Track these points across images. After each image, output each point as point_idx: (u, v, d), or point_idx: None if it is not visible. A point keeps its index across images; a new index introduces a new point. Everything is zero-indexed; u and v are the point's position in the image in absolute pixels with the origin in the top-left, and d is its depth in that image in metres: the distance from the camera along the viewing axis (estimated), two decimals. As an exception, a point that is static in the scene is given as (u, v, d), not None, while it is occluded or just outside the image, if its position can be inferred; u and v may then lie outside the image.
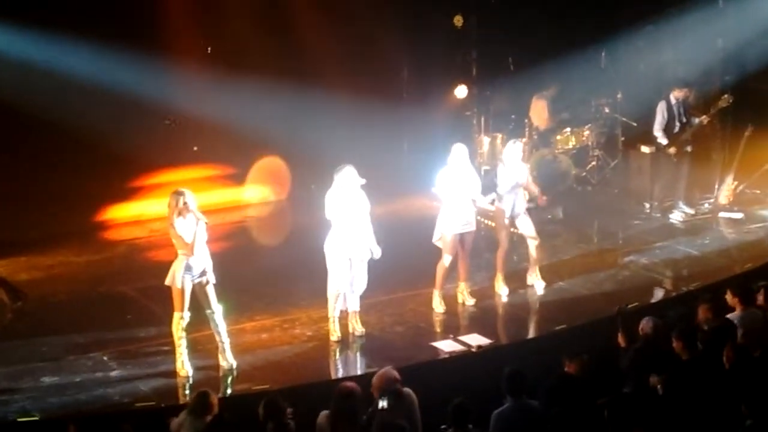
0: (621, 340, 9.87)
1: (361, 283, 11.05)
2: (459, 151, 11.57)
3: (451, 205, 11.53)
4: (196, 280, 10.16)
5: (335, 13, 15.44)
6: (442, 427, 8.28)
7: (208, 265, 10.22)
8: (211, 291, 10.23)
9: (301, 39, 15.32)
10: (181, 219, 10.05)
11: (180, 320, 10.17)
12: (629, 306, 10.87)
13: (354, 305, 11.15)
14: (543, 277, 12.26)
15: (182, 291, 10.10)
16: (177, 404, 9.59)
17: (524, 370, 8.63)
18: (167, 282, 10.16)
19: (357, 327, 11.16)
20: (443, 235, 11.57)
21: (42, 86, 13.36)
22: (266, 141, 14.81)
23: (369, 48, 15.58)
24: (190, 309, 10.18)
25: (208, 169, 15.00)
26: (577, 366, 8.99)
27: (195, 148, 15.03)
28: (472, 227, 11.67)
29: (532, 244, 12.12)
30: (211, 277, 10.22)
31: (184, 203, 10.02)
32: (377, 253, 11.01)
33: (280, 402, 8.49)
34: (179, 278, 10.09)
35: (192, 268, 10.11)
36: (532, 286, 12.24)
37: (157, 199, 14.68)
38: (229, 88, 14.47)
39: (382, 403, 8.43)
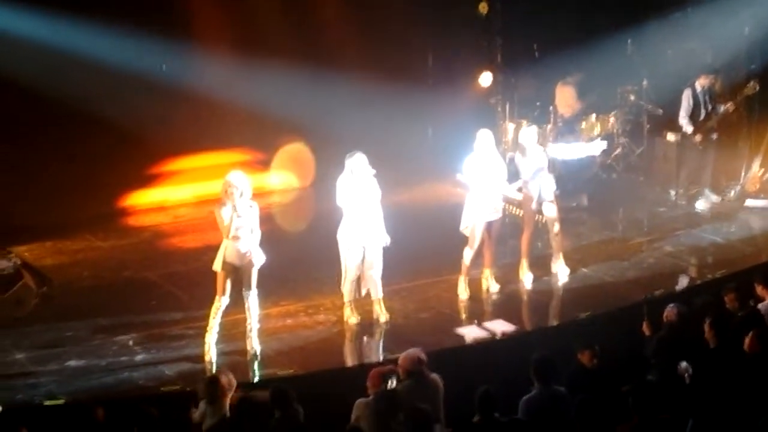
0: (646, 328, 9.85)
1: (378, 269, 11.05)
2: (485, 137, 11.54)
3: (478, 192, 11.50)
4: (238, 264, 10.23)
5: (359, 1, 15.43)
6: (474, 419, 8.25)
7: (253, 247, 10.27)
8: (253, 273, 10.30)
9: (326, 25, 15.33)
10: (230, 203, 10.11)
11: (218, 304, 10.29)
12: (655, 294, 10.83)
13: (377, 292, 11.16)
14: (567, 264, 12.23)
15: (224, 275, 10.23)
16: (195, 392, 9.58)
17: (551, 357, 8.61)
18: (214, 267, 10.29)
19: (381, 314, 11.17)
20: (470, 223, 11.55)
21: (66, 71, 13.39)
22: (291, 126, 14.81)
23: (394, 34, 15.56)
24: (230, 295, 10.24)
25: (233, 154, 14.99)
26: (589, 356, 8.97)
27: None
28: (499, 214, 11.65)
29: (555, 231, 12.09)
30: (255, 260, 10.27)
31: (227, 190, 10.11)
32: (386, 241, 11.00)
33: (289, 391, 8.50)
34: (219, 262, 10.23)
35: (236, 252, 10.19)
36: (557, 273, 12.20)
37: (182, 185, 14.79)
38: (253, 72, 14.47)
39: (391, 383, 8.43)
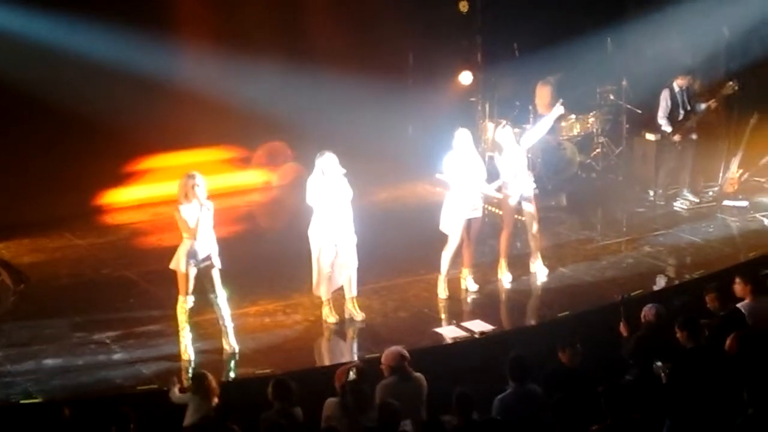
0: (623, 328, 9.86)
1: (352, 267, 11.03)
2: (464, 136, 11.54)
3: (457, 191, 11.50)
4: (201, 265, 10.15)
5: (341, -2, 15.46)
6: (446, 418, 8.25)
7: (213, 249, 10.20)
8: (216, 276, 10.22)
9: (308, 23, 15.32)
10: (188, 203, 10.04)
11: (184, 304, 10.18)
12: (632, 294, 10.84)
13: (351, 291, 11.15)
14: (546, 264, 12.25)
15: (186, 275, 10.10)
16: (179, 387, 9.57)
17: (527, 356, 8.62)
18: (172, 266, 10.16)
19: (356, 313, 11.16)
20: (450, 221, 11.55)
21: (44, 67, 13.34)
22: (271, 123, 14.77)
23: (375, 33, 15.56)
24: (194, 293, 10.17)
25: (213, 151, 14.97)
26: (569, 355, 8.98)
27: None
28: (479, 213, 11.65)
29: (534, 231, 12.10)
30: (216, 262, 10.21)
31: (193, 187, 10.01)
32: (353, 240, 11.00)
33: (291, 384, 8.49)
34: (183, 262, 10.09)
35: (197, 252, 10.10)
36: (535, 272, 12.22)
37: (161, 183, 14.72)
38: (234, 69, 14.45)
39: (351, 375, 8.43)
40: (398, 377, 8.73)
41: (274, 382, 8.52)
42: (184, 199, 10.06)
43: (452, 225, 11.55)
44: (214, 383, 8.72)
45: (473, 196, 11.56)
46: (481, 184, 11.66)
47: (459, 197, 11.52)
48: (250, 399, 8.89)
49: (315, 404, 8.54)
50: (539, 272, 12.21)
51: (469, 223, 11.62)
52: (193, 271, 10.12)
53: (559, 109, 12.33)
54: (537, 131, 12.18)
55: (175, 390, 9.00)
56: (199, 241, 10.09)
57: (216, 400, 8.65)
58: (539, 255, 12.22)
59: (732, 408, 8.13)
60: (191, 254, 10.10)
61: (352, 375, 8.47)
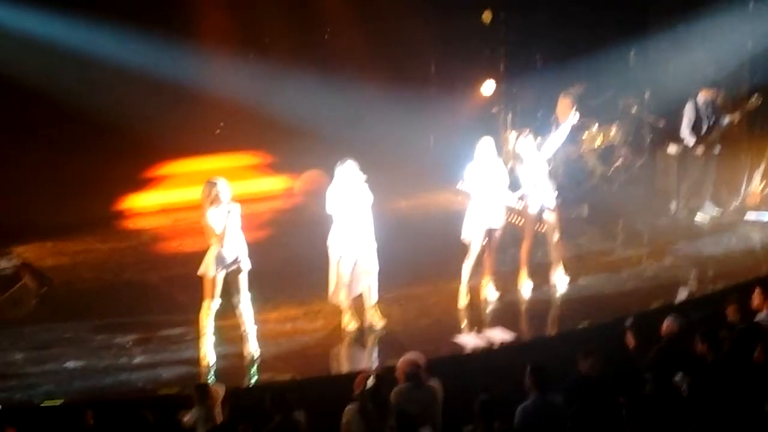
0: (630, 340, 9.85)
1: (373, 275, 11.06)
2: (487, 145, 11.55)
3: (480, 200, 11.51)
4: (230, 269, 10.19)
5: (365, 7, 15.46)
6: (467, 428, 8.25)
7: (242, 252, 10.24)
8: (243, 279, 10.27)
9: (331, 32, 15.40)
10: (214, 208, 10.08)
11: (208, 309, 10.22)
12: (642, 311, 10.75)
13: (372, 299, 11.17)
14: (567, 274, 12.24)
15: (213, 280, 10.15)
16: (188, 397, 9.58)
17: (548, 366, 8.62)
18: (200, 272, 10.20)
19: (376, 320, 11.18)
20: (471, 231, 11.55)
21: (70, 72, 13.45)
22: (293, 131, 14.83)
23: (398, 42, 15.60)
24: (219, 298, 10.22)
25: (235, 157, 15.03)
26: (590, 363, 8.97)
27: (217, 130, 15.01)
28: (501, 222, 11.65)
29: (555, 241, 12.10)
30: (244, 265, 10.25)
31: (217, 193, 10.05)
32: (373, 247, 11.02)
33: (286, 394, 8.50)
34: (212, 268, 10.14)
35: (225, 257, 10.16)
36: (556, 282, 12.21)
37: (183, 188, 14.78)
38: (259, 76, 14.52)
39: (370, 382, 8.45)
40: (412, 384, 8.73)
41: (270, 396, 8.52)
42: (209, 205, 10.09)
43: (473, 234, 11.56)
44: (215, 392, 8.73)
45: (495, 206, 11.57)
46: (504, 193, 11.66)
47: (480, 207, 11.53)
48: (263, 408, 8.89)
49: (334, 411, 8.56)
50: (559, 282, 12.20)
51: (491, 232, 11.62)
52: (221, 276, 10.17)
53: (574, 118, 12.34)
54: (555, 140, 12.18)
55: (185, 417, 8.94)
56: (227, 245, 10.13)
57: (219, 408, 8.65)
58: (560, 265, 12.22)
59: (754, 420, 8.12)
60: (219, 259, 10.16)
61: (371, 382, 8.49)
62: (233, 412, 8.73)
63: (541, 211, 11.97)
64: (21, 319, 11.49)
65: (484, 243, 11.60)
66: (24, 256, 12.99)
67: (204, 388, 8.79)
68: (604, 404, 8.54)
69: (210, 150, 14.86)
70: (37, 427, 9.26)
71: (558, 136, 12.24)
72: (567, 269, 12.29)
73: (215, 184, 10.13)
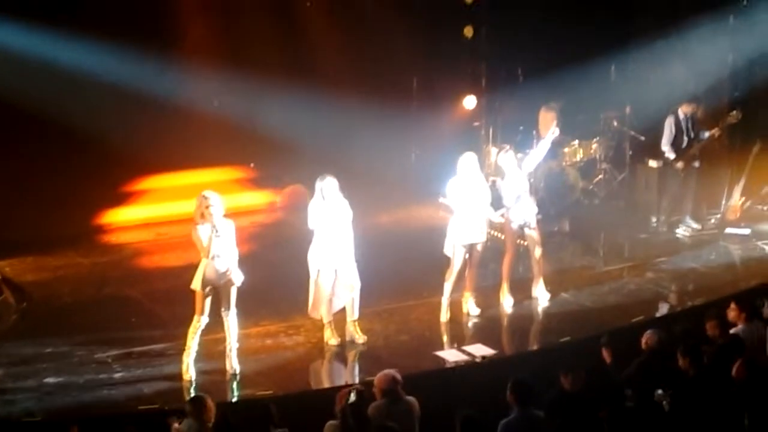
0: (606, 355, 9.89)
1: (355, 290, 11.06)
2: (469, 160, 11.57)
3: (461, 215, 11.53)
4: (219, 283, 10.19)
5: (347, 21, 15.50)
6: None
7: (232, 266, 10.24)
8: (232, 292, 10.27)
9: (313, 46, 15.39)
10: (202, 223, 10.08)
11: (197, 324, 10.22)
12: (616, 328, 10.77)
13: (353, 314, 11.17)
14: (548, 289, 12.26)
15: (201, 296, 10.16)
16: (180, 407, 9.57)
17: (530, 381, 8.62)
18: (192, 286, 10.21)
19: (357, 336, 11.17)
20: (453, 245, 11.57)
21: (50, 86, 13.40)
22: (274, 146, 14.84)
23: (379, 57, 15.63)
24: (209, 314, 10.21)
25: (217, 172, 15.02)
26: (571, 380, 8.98)
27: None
28: (482, 237, 11.66)
29: (536, 256, 12.12)
30: (235, 279, 10.25)
31: (207, 207, 10.05)
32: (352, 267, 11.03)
33: (271, 408, 8.50)
34: (199, 282, 10.15)
35: (214, 271, 10.15)
36: (537, 297, 12.23)
37: (165, 203, 14.77)
38: (239, 90, 14.53)
39: (352, 397, 8.45)
40: (389, 400, 8.73)
41: (257, 409, 8.51)
42: (199, 219, 10.10)
43: (455, 249, 11.58)
44: (211, 406, 8.71)
45: (476, 221, 11.58)
46: (486, 208, 11.68)
47: (462, 222, 11.55)
48: (250, 420, 8.87)
49: (315, 427, 8.54)
50: (541, 297, 12.22)
51: (472, 247, 11.64)
52: (209, 291, 10.18)
53: (554, 132, 12.39)
54: (536, 155, 12.21)
55: (175, 425, 8.93)
56: (216, 260, 10.13)
57: (211, 422, 8.64)
58: (541, 280, 12.24)
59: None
60: (209, 275, 10.16)
61: (352, 397, 8.48)
62: (217, 428, 8.69)
63: (523, 226, 11.99)
64: (1, 334, 11.42)
65: (465, 258, 11.61)
66: (4, 270, 12.94)
67: (201, 401, 8.73)
68: (586, 420, 8.55)
69: (192, 165, 14.83)
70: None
71: (539, 150, 12.28)
72: (548, 284, 12.31)
73: (207, 198, 10.11)
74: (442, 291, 11.71)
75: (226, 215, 10.22)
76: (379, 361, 10.71)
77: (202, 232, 10.10)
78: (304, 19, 15.49)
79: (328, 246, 10.86)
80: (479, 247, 11.68)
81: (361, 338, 11.15)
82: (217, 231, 10.04)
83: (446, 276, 11.67)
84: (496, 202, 11.95)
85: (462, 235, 11.55)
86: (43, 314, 12.02)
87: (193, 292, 10.24)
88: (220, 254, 10.15)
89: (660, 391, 8.85)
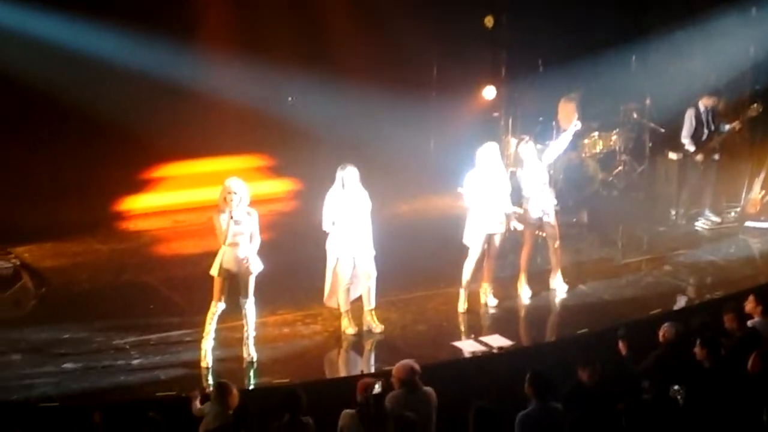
0: (622, 347, 9.88)
1: (372, 279, 11.07)
2: (489, 150, 11.54)
3: (480, 206, 11.50)
4: (237, 269, 10.22)
5: (367, 11, 15.47)
6: None
7: (251, 254, 10.25)
8: (250, 281, 10.29)
9: (333, 35, 15.38)
10: (227, 209, 10.08)
11: (214, 309, 10.26)
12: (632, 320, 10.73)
13: (370, 303, 11.17)
14: (566, 281, 12.24)
15: (219, 282, 10.19)
16: (202, 390, 9.58)
17: (548, 373, 8.61)
18: (211, 271, 10.25)
19: (374, 325, 11.17)
20: (471, 235, 11.55)
21: (72, 73, 13.43)
22: (294, 135, 14.84)
23: (400, 46, 15.60)
24: (225, 301, 10.23)
25: (236, 160, 15.03)
26: (588, 373, 8.97)
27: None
28: (501, 229, 11.63)
29: (554, 247, 12.10)
30: (253, 267, 10.25)
31: (226, 196, 10.06)
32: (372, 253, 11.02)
33: (300, 395, 8.52)
34: (216, 268, 10.19)
35: (232, 259, 10.17)
36: (555, 289, 12.21)
37: (183, 191, 14.80)
38: (260, 78, 14.53)
39: (377, 387, 8.45)
40: (407, 390, 8.73)
41: (285, 394, 8.54)
42: (222, 205, 10.12)
43: (473, 239, 11.56)
44: (236, 393, 8.74)
45: (495, 212, 11.56)
46: (505, 200, 11.64)
47: (481, 212, 11.52)
48: (266, 408, 8.89)
49: (331, 415, 8.55)
50: (559, 289, 12.20)
51: (491, 238, 11.62)
52: (226, 278, 10.19)
53: (576, 125, 12.35)
54: (556, 147, 12.18)
55: (197, 403, 8.99)
56: (234, 247, 10.15)
57: (233, 409, 8.68)
58: (559, 271, 12.22)
59: (751, 428, 8.12)
60: (226, 261, 10.18)
61: (377, 388, 8.49)
62: (235, 415, 8.71)
63: (541, 216, 11.97)
64: (20, 319, 11.47)
65: (483, 248, 11.59)
66: (23, 256, 12.99)
67: (225, 387, 8.77)
68: (603, 412, 8.54)
69: (211, 152, 14.85)
70: (42, 429, 9.25)
71: (560, 142, 12.24)
72: (566, 276, 12.29)
73: (229, 186, 10.13)
74: (460, 281, 11.70)
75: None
76: (395, 350, 10.72)
77: (222, 219, 10.12)
78: (325, 7, 15.47)
79: (346, 235, 10.86)
80: (498, 239, 11.65)
81: (378, 327, 11.15)
82: (234, 219, 10.05)
83: (465, 266, 11.65)
84: (515, 193, 11.92)
85: (480, 225, 11.53)
86: (62, 300, 12.06)
87: (211, 278, 10.26)
88: (239, 242, 10.17)
89: (676, 387, 8.81)
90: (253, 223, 10.26)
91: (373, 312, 11.17)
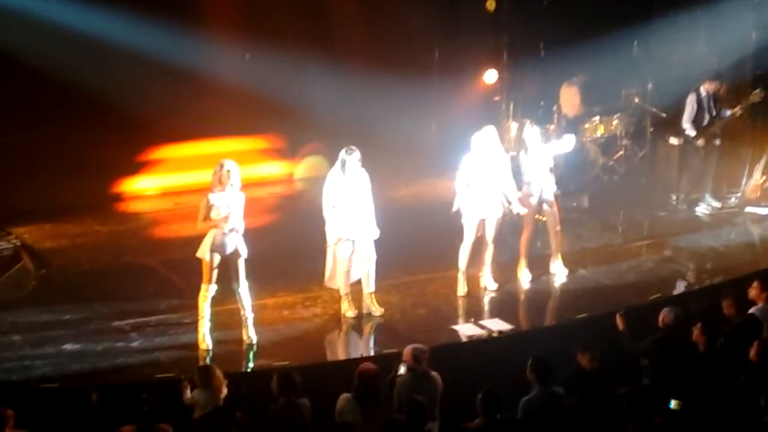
0: (619, 321, 9.90)
1: (371, 262, 11.06)
2: (488, 134, 11.50)
3: (474, 190, 11.48)
4: (227, 253, 10.16)
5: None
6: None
7: (240, 239, 10.22)
8: (241, 265, 10.25)
9: (335, 16, 15.31)
10: (219, 191, 10.05)
11: (206, 293, 10.22)
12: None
13: (369, 286, 11.16)
14: (566, 265, 12.24)
15: (210, 264, 10.14)
16: (190, 378, 9.59)
17: (550, 357, 8.62)
18: (198, 254, 10.20)
19: (374, 308, 11.17)
20: (465, 218, 11.52)
21: (71, 53, 13.35)
22: (294, 116, 14.80)
23: (401, 29, 15.53)
24: (216, 283, 10.20)
25: (235, 142, 15.01)
26: (589, 359, 8.98)
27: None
28: (498, 213, 11.61)
29: (554, 232, 12.09)
30: (242, 251, 10.23)
31: (228, 175, 10.02)
32: (376, 235, 11.00)
33: (294, 377, 8.53)
34: (208, 251, 10.12)
35: (223, 241, 10.13)
36: (555, 273, 12.21)
37: (183, 172, 14.77)
38: (260, 60, 14.48)
39: (402, 369, 8.49)
40: (414, 374, 8.76)
41: (278, 377, 8.55)
42: (217, 187, 10.08)
43: (466, 222, 11.54)
44: (220, 375, 8.73)
45: (490, 197, 11.52)
46: (505, 183, 11.60)
47: (475, 196, 11.49)
48: (266, 390, 8.90)
49: (330, 398, 8.57)
50: (558, 273, 12.20)
51: (486, 222, 11.59)
52: (217, 260, 10.15)
53: (571, 139, 12.27)
54: (562, 147, 12.14)
55: (187, 392, 8.97)
56: (225, 230, 10.11)
57: (224, 391, 8.67)
58: (559, 256, 12.21)
59: (749, 415, 8.13)
60: (216, 243, 10.13)
61: (402, 370, 8.53)
62: (230, 397, 8.72)
63: (541, 201, 11.95)
64: (19, 300, 11.47)
65: (478, 232, 11.56)
66: (23, 237, 12.96)
67: (208, 370, 8.78)
68: (604, 396, 8.56)
69: (211, 134, 14.82)
70: (40, 408, 9.26)
71: (565, 144, 12.18)
72: (566, 260, 12.29)
73: (224, 165, 10.09)
74: (458, 264, 11.68)
75: (242, 185, 10.20)
76: (395, 334, 10.76)
77: (217, 199, 10.07)
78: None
79: (347, 217, 10.84)
80: (493, 224, 11.61)
81: (378, 311, 11.16)
82: (231, 199, 10.01)
83: (461, 249, 11.64)
84: (516, 177, 11.90)
85: (474, 209, 11.50)
86: (62, 281, 12.05)
87: (200, 260, 10.22)
88: (231, 224, 10.12)
89: (674, 401, 8.76)
90: (240, 206, 10.21)
91: (373, 295, 11.17)
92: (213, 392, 8.63)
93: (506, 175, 11.60)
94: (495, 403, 8.06)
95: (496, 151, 11.55)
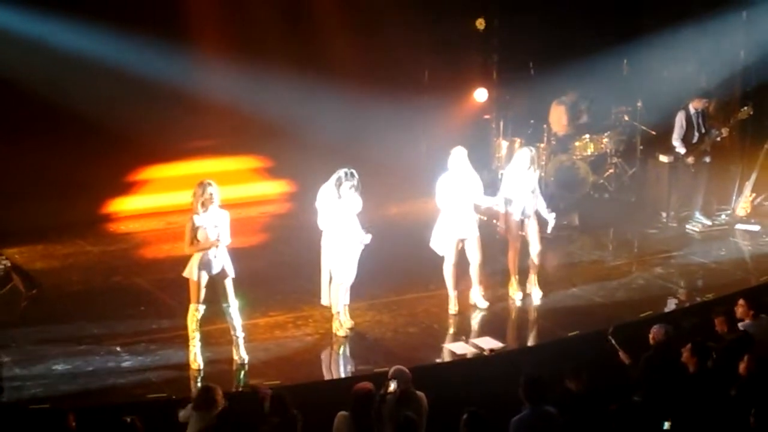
0: (624, 357, 9.88)
1: (352, 278, 11.09)
2: (459, 155, 11.52)
3: (449, 211, 11.48)
4: (214, 273, 10.16)
5: (359, 12, 15.46)
6: None
7: (227, 258, 10.22)
8: (229, 285, 10.23)
9: (324, 37, 15.35)
10: (203, 212, 10.05)
11: (195, 312, 10.19)
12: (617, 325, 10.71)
13: (345, 299, 11.18)
14: (557, 283, 12.25)
15: (198, 283, 10.11)
16: (188, 396, 9.58)
17: (542, 377, 8.60)
18: (185, 273, 10.18)
19: (345, 320, 11.17)
20: (442, 240, 11.54)
21: (61, 73, 13.38)
22: (285, 136, 14.82)
23: (391, 48, 15.58)
24: (205, 302, 10.20)
25: (227, 161, 15.02)
26: (577, 384, 8.96)
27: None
28: (474, 233, 11.58)
29: (534, 251, 12.04)
30: (230, 271, 10.23)
31: (209, 196, 10.03)
32: (366, 239, 10.98)
33: (286, 397, 8.51)
34: (195, 271, 10.10)
35: (210, 261, 10.12)
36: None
37: (174, 192, 14.75)
38: (251, 81, 14.50)
39: (393, 386, 8.46)
40: (402, 395, 8.72)
41: (271, 399, 8.53)
42: (198, 208, 10.07)
43: (444, 244, 11.54)
44: (221, 396, 8.71)
45: (465, 217, 11.53)
46: (479, 199, 11.61)
47: (449, 217, 11.49)
48: (256, 410, 8.88)
49: (323, 417, 8.55)
50: (533, 293, 12.12)
51: (463, 242, 11.59)
52: (204, 280, 10.14)
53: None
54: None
55: (182, 413, 8.93)
56: (213, 250, 10.11)
57: (217, 411, 8.64)
58: (535, 276, 12.16)
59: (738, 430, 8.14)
60: (204, 263, 10.11)
61: (393, 387, 8.51)
62: (222, 416, 8.70)
63: (522, 219, 11.91)
64: (10, 321, 11.44)
65: (458, 252, 11.54)
66: (14, 258, 12.92)
67: (210, 391, 8.71)
68: (594, 416, 8.54)
69: (201, 154, 14.83)
70: (23, 429, 9.24)
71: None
72: (557, 278, 12.33)
73: (207, 186, 10.09)
74: (447, 284, 11.69)
75: (233, 204, 10.19)
76: (387, 352, 10.75)
77: (203, 221, 10.04)
78: (316, 9, 15.44)
79: (342, 236, 10.84)
80: (474, 243, 11.58)
81: (349, 323, 11.14)
82: (219, 219, 10.01)
83: (444, 270, 11.63)
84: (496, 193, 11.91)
85: (450, 230, 11.50)
86: (52, 302, 12.01)
87: (187, 280, 10.22)
88: (218, 244, 10.10)
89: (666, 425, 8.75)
90: (226, 225, 10.20)
91: (347, 307, 11.15)
92: (210, 412, 8.60)
93: (479, 195, 11.60)
94: (478, 424, 8.00)
95: (468, 171, 11.54)
